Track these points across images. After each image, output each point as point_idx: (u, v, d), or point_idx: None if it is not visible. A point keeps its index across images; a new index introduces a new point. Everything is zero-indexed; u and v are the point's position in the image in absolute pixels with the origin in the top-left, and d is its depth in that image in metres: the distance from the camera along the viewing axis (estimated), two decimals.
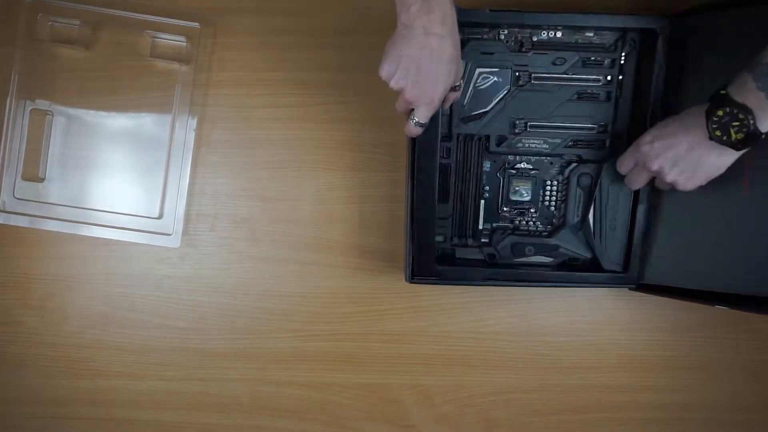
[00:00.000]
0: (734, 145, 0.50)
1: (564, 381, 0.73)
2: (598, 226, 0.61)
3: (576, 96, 0.61)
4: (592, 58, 0.60)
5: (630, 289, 0.66)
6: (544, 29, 0.59)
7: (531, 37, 0.60)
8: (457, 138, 0.61)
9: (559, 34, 0.60)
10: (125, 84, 0.70)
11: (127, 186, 0.70)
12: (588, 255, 0.63)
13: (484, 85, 0.60)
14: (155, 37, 0.69)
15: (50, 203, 0.70)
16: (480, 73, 0.60)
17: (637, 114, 0.60)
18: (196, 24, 0.69)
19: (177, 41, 0.69)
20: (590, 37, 0.60)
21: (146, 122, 0.70)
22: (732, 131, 0.49)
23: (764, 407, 0.73)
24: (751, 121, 0.47)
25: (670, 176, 0.54)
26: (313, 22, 0.69)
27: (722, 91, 0.49)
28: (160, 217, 0.70)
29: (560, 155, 0.62)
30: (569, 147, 0.62)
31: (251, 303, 0.71)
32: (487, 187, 0.63)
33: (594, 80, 0.60)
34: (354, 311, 0.72)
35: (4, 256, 0.71)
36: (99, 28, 0.70)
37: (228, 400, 0.72)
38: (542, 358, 0.73)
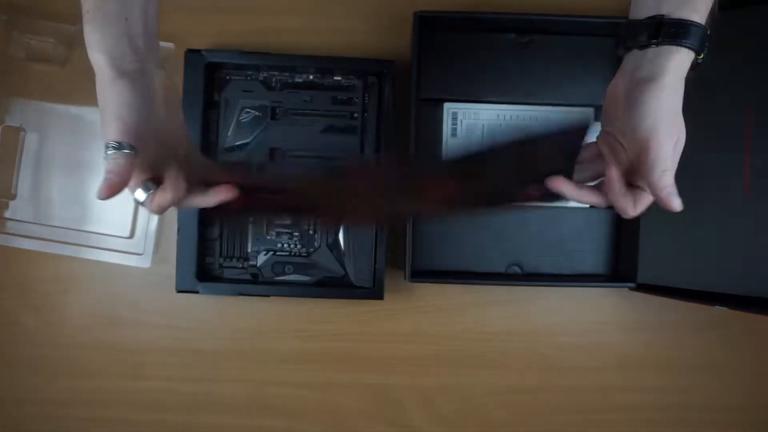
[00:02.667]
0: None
1: (564, 381, 0.73)
2: (348, 246, 0.67)
3: (328, 129, 0.68)
4: (339, 97, 0.68)
5: (630, 289, 0.66)
6: (297, 72, 0.68)
7: (287, 80, 0.68)
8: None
9: (311, 77, 0.68)
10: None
11: (99, 205, 0.70)
12: (341, 272, 0.68)
13: (246, 119, 0.67)
14: None
15: (22, 221, 0.70)
16: (242, 109, 0.67)
17: (378, 144, 0.68)
18: (170, 44, 0.69)
19: None
20: (338, 80, 0.68)
21: None
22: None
23: (764, 407, 0.73)
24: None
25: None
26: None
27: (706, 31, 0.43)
28: (131, 236, 0.70)
29: None
30: None
31: (251, 303, 0.71)
32: None
33: (342, 115, 0.68)
34: (354, 311, 0.72)
35: (3, 256, 0.71)
36: (74, 46, 0.70)
37: (228, 400, 0.72)
38: (542, 358, 0.73)
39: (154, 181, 0.44)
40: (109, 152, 0.39)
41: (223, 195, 0.46)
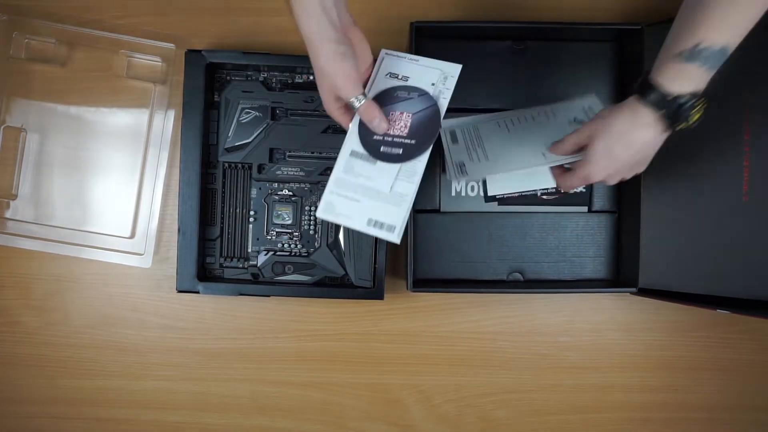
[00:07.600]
0: (692, 125, 0.50)
1: (564, 381, 0.73)
2: (348, 246, 0.67)
3: (327, 129, 0.68)
4: None
5: (631, 293, 0.66)
6: (298, 72, 0.68)
7: (287, 80, 0.68)
8: (222, 166, 0.68)
9: (311, 77, 0.68)
10: (100, 102, 0.70)
11: (99, 205, 0.71)
12: (341, 272, 0.68)
13: (246, 119, 0.67)
14: (131, 57, 0.70)
15: (23, 221, 0.70)
16: (242, 109, 0.67)
17: None
18: (171, 45, 0.69)
19: (152, 61, 0.70)
20: None
21: (120, 140, 0.71)
22: (693, 116, 0.49)
23: (764, 407, 0.73)
24: (704, 99, 0.49)
25: (613, 181, 0.55)
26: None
27: (669, 97, 0.48)
28: (131, 236, 0.70)
29: (316, 182, 0.69)
30: (323, 174, 0.68)
31: (251, 303, 0.71)
32: (254, 212, 0.69)
33: None
34: (354, 311, 0.72)
35: (4, 256, 0.71)
36: (74, 46, 0.70)
37: (228, 400, 0.72)
38: (542, 358, 0.73)
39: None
40: (361, 102, 0.52)
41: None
